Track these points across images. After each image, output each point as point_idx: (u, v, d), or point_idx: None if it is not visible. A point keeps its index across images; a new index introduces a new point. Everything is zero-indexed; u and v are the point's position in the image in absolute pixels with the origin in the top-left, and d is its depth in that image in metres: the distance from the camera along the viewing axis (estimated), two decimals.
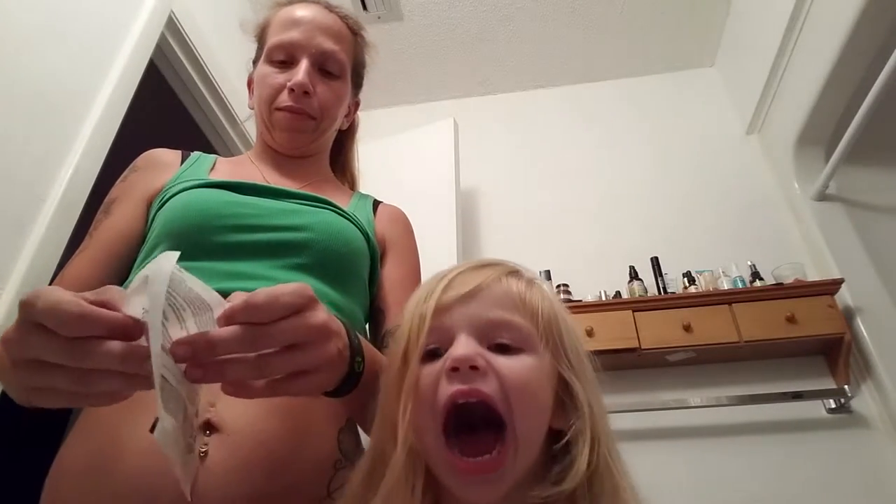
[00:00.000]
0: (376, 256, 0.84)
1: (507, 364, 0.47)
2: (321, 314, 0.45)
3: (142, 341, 0.39)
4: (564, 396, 0.50)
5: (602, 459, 0.48)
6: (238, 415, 0.59)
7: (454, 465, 0.45)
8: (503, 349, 0.49)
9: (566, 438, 0.48)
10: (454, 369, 0.45)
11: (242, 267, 0.69)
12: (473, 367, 0.45)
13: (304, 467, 0.61)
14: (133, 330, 0.39)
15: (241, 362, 0.41)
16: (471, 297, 0.51)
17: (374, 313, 0.84)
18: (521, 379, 0.47)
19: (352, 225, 0.80)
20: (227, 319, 0.41)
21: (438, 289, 0.51)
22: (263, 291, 0.42)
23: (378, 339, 0.80)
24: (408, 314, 0.53)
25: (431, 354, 0.49)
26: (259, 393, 0.44)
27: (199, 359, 0.40)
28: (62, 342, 0.37)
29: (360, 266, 0.80)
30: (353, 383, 0.53)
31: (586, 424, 0.48)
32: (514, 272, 0.55)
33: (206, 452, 0.57)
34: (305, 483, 0.61)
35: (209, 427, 0.58)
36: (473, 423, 0.45)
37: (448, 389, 0.45)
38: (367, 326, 0.83)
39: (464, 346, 0.47)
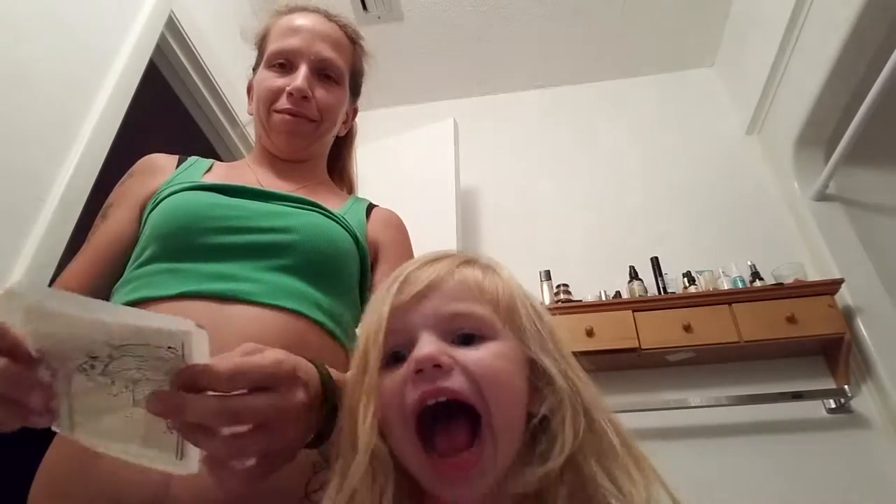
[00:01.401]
0: (366, 259, 0.84)
1: (472, 355, 0.45)
2: (298, 395, 0.44)
3: (43, 376, 0.39)
4: (538, 380, 0.48)
5: (597, 425, 0.46)
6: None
7: (434, 468, 0.43)
8: (467, 340, 0.47)
9: (541, 414, 0.45)
10: (419, 371, 0.43)
11: (227, 268, 0.69)
12: (437, 366, 0.43)
13: (282, 470, 0.62)
14: (23, 355, 0.38)
15: (215, 437, 0.40)
16: (427, 292, 0.49)
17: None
18: (489, 367, 0.45)
19: (339, 227, 0.80)
20: (192, 376, 0.39)
21: (393, 288, 0.49)
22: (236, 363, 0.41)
23: None
24: (365, 318, 0.51)
25: (396, 358, 0.47)
26: (239, 481, 0.42)
27: (169, 414, 0.39)
28: None
29: (348, 268, 0.80)
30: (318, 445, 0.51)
31: (564, 395, 0.46)
32: (469, 261, 0.54)
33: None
34: (282, 485, 0.60)
35: None
36: (448, 417, 0.43)
37: (415, 393, 0.43)
38: (354, 328, 0.82)
39: (426, 345, 0.45)
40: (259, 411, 0.41)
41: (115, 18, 1.38)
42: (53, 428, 0.41)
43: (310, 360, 0.50)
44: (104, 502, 0.56)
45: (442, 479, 0.43)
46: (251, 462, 0.42)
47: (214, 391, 0.39)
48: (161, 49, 1.60)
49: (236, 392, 0.40)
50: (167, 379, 0.38)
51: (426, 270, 0.50)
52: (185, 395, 0.38)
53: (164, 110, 1.76)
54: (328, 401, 0.49)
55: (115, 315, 0.36)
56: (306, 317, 0.70)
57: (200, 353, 0.38)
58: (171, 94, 1.78)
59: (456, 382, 0.43)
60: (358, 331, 0.52)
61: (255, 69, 0.94)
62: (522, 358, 0.48)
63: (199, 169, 0.87)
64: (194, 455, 0.40)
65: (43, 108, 1.14)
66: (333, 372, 0.54)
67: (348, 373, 0.51)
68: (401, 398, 0.44)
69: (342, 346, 0.76)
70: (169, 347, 0.37)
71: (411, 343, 0.46)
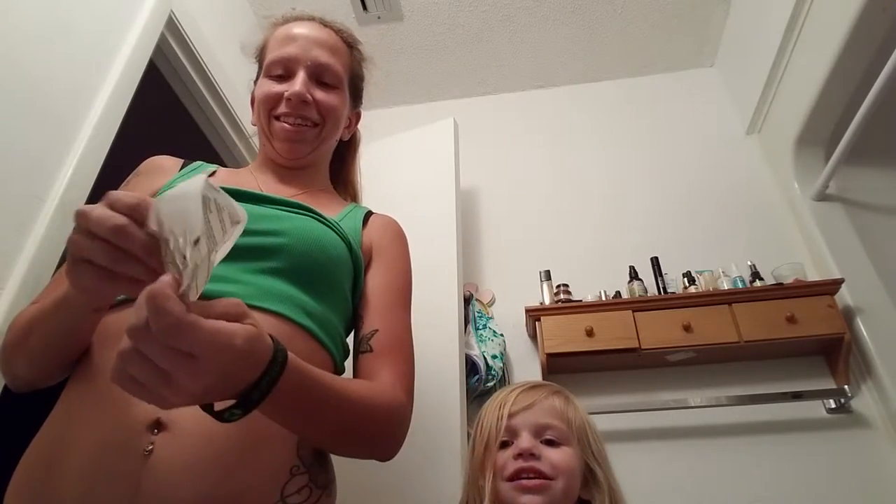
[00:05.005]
0: (360, 266, 0.84)
1: (554, 454, 0.79)
2: (207, 377, 0.42)
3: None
4: (588, 476, 0.81)
5: None
6: (188, 413, 0.55)
7: (518, 486, 0.76)
8: (550, 442, 0.80)
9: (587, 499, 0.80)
10: (520, 455, 0.78)
11: (214, 270, 0.69)
12: (532, 454, 0.78)
13: (257, 470, 0.61)
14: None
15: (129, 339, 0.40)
16: (529, 408, 0.83)
17: (356, 319, 0.83)
18: (562, 461, 0.79)
19: (332, 232, 0.80)
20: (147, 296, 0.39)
21: (509, 401, 0.84)
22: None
23: (356, 343, 0.80)
24: (488, 416, 0.85)
25: (503, 444, 0.82)
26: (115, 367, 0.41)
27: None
28: (103, 246, 0.46)
29: (339, 274, 0.80)
30: (224, 420, 0.47)
31: (605, 495, 0.79)
32: (558, 392, 0.87)
33: (151, 451, 0.56)
34: (257, 487, 0.60)
35: (157, 425, 0.58)
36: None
37: (515, 465, 0.78)
38: (344, 335, 0.82)
39: (526, 440, 0.80)
40: (165, 361, 0.40)
41: (115, 19, 1.38)
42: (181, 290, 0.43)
43: (275, 344, 0.49)
44: (76, 494, 0.55)
45: (523, 490, 0.76)
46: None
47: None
48: (161, 49, 1.60)
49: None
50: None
51: (531, 393, 0.85)
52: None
53: (164, 110, 1.76)
54: (263, 379, 0.47)
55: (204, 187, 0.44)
56: (292, 321, 0.70)
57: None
58: (171, 94, 1.78)
59: (542, 465, 0.77)
60: (481, 421, 0.86)
61: (256, 81, 0.95)
62: (581, 460, 0.81)
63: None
64: None
65: (42, 108, 1.14)
66: (297, 362, 0.52)
67: (475, 448, 0.84)
68: (505, 468, 0.79)
69: (328, 352, 0.75)
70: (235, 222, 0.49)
71: (516, 436, 0.81)
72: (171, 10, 1.58)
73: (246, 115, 1.88)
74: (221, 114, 1.86)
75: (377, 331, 0.78)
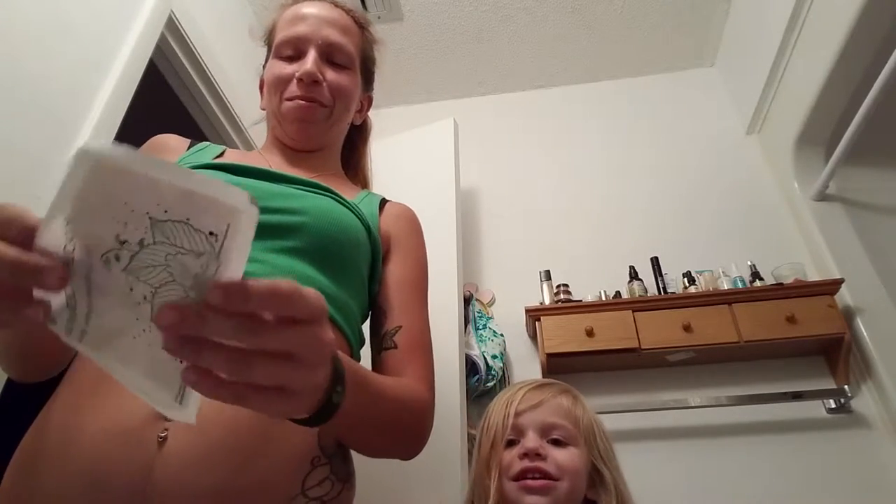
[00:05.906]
0: (378, 251, 0.82)
1: (560, 454, 0.78)
2: (329, 333, 0.37)
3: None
4: (595, 476, 0.80)
5: None
6: (204, 400, 0.54)
7: (523, 486, 0.76)
8: (556, 442, 0.80)
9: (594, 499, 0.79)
10: (525, 454, 0.78)
11: None
12: (538, 454, 0.77)
13: (277, 461, 0.58)
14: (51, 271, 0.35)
15: (221, 351, 0.32)
16: (536, 406, 0.83)
17: (376, 311, 0.81)
18: (568, 461, 0.78)
19: (352, 214, 0.78)
20: (227, 295, 0.31)
21: (516, 400, 0.84)
22: (288, 283, 0.34)
23: (378, 338, 0.78)
24: (494, 415, 0.85)
25: (509, 442, 0.81)
26: (223, 393, 0.33)
27: (183, 329, 0.31)
28: None
29: (358, 257, 0.77)
30: (328, 415, 0.44)
31: (612, 497, 0.78)
32: (566, 391, 0.87)
33: (164, 438, 0.53)
34: (277, 478, 0.57)
35: None
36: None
37: (521, 465, 0.77)
38: (360, 322, 0.80)
39: (532, 440, 0.79)
40: (289, 339, 0.34)
41: (115, 19, 1.38)
42: (56, 331, 0.34)
43: None
44: (82, 484, 0.53)
45: (527, 490, 0.75)
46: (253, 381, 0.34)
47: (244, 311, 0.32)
48: (161, 49, 1.60)
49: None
50: (193, 284, 0.31)
51: (538, 392, 0.85)
52: (208, 311, 0.31)
53: (163, 110, 1.76)
54: (333, 387, 0.44)
55: (170, 173, 0.30)
56: None
57: (242, 243, 0.31)
58: (171, 95, 1.78)
59: (547, 465, 0.77)
60: (488, 419, 0.86)
61: (264, 65, 0.92)
62: (588, 460, 0.80)
63: (210, 153, 0.85)
64: (195, 403, 0.34)
65: (42, 108, 1.14)
66: (343, 357, 0.49)
67: (481, 446, 0.84)
68: (511, 467, 0.78)
69: (346, 339, 0.73)
70: (210, 234, 0.30)
71: (522, 435, 0.81)
72: (171, 10, 1.58)
73: (245, 115, 1.89)
74: (221, 113, 1.86)
75: (401, 327, 0.76)
